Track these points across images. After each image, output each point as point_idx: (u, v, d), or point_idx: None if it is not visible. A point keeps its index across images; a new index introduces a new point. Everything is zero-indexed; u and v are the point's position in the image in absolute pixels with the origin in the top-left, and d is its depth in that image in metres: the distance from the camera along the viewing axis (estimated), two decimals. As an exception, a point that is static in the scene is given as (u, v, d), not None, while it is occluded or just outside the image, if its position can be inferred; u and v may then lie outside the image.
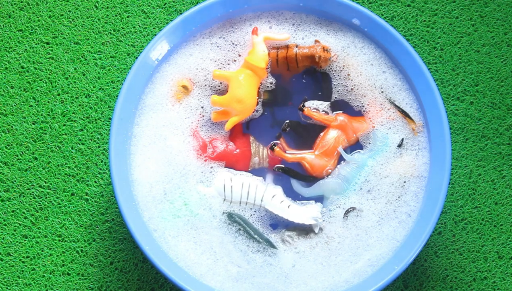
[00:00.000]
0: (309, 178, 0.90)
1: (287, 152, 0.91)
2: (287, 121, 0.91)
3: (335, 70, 0.91)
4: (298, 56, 0.90)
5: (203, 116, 0.91)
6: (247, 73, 0.89)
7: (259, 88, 0.91)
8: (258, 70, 0.89)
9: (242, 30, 0.92)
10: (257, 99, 0.90)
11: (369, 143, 0.90)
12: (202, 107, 0.91)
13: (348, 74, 0.91)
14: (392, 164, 0.89)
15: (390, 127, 0.90)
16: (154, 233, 0.88)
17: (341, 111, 0.91)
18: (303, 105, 0.90)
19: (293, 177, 0.90)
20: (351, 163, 0.90)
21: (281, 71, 0.92)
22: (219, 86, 0.91)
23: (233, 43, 0.92)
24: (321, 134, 0.91)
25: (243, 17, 0.92)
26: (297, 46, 0.90)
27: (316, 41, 0.91)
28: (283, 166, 0.91)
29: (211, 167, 0.90)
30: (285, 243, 0.88)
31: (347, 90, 0.91)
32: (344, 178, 0.89)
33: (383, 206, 0.89)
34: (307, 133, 0.91)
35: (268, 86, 0.91)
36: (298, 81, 0.92)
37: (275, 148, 0.90)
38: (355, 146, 0.91)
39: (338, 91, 0.91)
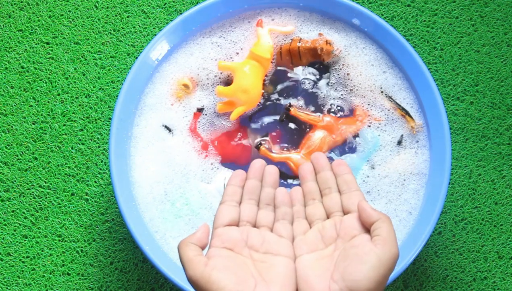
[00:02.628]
0: (294, 178, 0.90)
1: (273, 151, 0.90)
2: (286, 107, 0.91)
3: (335, 69, 0.91)
4: (301, 49, 0.90)
5: (206, 114, 0.91)
6: (253, 64, 0.89)
7: (264, 80, 0.91)
8: (264, 61, 0.89)
9: (242, 28, 0.92)
10: (262, 91, 0.91)
11: (359, 143, 0.90)
12: (202, 106, 0.91)
13: (348, 74, 0.91)
14: (390, 162, 0.89)
15: (385, 125, 0.90)
16: (156, 235, 0.88)
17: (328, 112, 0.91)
18: (290, 105, 0.90)
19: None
20: None
21: (285, 65, 0.92)
22: (219, 84, 0.91)
23: (233, 42, 0.92)
24: (309, 132, 0.91)
25: (241, 16, 0.92)
26: (300, 39, 0.91)
27: (320, 34, 0.91)
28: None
29: (211, 163, 0.90)
30: None
31: (347, 90, 0.91)
32: None
33: (384, 205, 0.89)
34: (302, 127, 0.91)
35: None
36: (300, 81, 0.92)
37: (261, 147, 0.90)
38: (350, 149, 0.91)
39: (340, 95, 0.91)
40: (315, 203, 0.72)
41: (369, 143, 0.90)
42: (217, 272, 0.65)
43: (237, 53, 0.91)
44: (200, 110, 0.90)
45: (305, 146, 0.90)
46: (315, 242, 0.70)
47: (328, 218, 0.72)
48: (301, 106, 0.91)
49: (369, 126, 0.90)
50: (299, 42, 0.90)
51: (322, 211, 0.72)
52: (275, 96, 0.91)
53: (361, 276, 0.64)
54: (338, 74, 0.91)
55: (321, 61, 0.91)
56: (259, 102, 0.91)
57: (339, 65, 0.91)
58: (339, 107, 0.91)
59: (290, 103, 0.91)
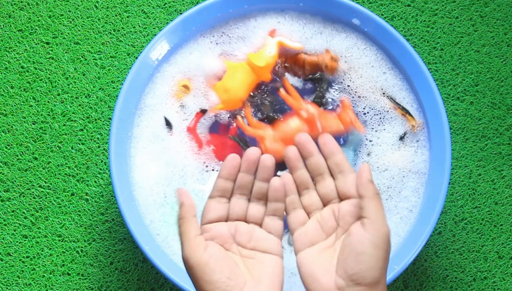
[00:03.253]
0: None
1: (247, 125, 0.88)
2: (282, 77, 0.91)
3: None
4: (306, 62, 0.90)
5: (204, 118, 0.91)
6: (245, 68, 0.89)
7: (255, 87, 0.91)
8: (256, 68, 0.89)
9: (243, 29, 0.92)
10: (248, 96, 0.90)
11: (346, 135, 0.90)
12: (200, 107, 0.91)
13: (349, 75, 0.91)
14: (390, 156, 0.89)
15: (387, 122, 0.90)
16: (157, 237, 0.88)
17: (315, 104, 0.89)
18: (280, 81, 0.89)
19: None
20: None
21: (288, 71, 0.92)
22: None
23: (234, 43, 0.92)
24: (288, 117, 0.89)
25: (242, 16, 0.92)
26: (305, 53, 0.91)
27: (327, 51, 0.90)
28: (239, 137, 0.89)
29: (205, 163, 0.90)
30: (291, 245, 0.88)
31: (347, 91, 0.91)
32: None
33: (384, 201, 0.89)
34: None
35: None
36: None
37: (238, 116, 0.88)
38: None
39: (340, 96, 0.91)
40: (310, 192, 0.71)
41: (355, 135, 0.90)
42: (214, 261, 0.65)
43: (244, 54, 0.91)
44: (203, 111, 0.90)
45: (280, 128, 0.88)
46: (316, 233, 0.69)
47: (324, 205, 0.70)
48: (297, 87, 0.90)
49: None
50: (305, 54, 0.90)
51: (318, 200, 0.70)
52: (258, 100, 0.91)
53: (363, 268, 0.63)
54: (338, 76, 0.91)
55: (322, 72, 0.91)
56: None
57: (339, 62, 0.91)
58: (331, 100, 0.91)
59: (285, 75, 0.90)
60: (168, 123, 0.90)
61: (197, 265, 0.65)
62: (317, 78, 0.90)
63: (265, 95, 0.90)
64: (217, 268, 0.65)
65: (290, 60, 0.91)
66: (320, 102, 0.90)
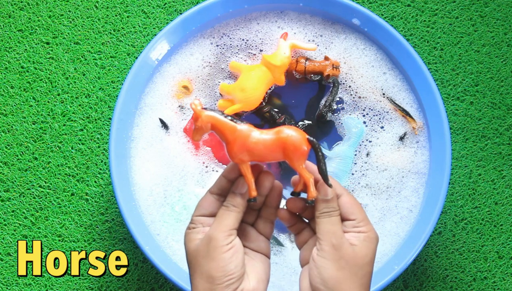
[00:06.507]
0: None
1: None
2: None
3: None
4: (307, 71, 0.90)
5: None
6: (261, 69, 0.89)
7: (270, 88, 0.91)
8: (272, 67, 0.89)
9: (244, 29, 0.92)
10: (264, 96, 0.90)
11: (344, 134, 0.90)
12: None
13: (350, 75, 0.91)
14: (389, 156, 0.89)
15: (387, 122, 0.90)
16: (157, 237, 0.88)
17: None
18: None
19: None
20: (334, 159, 0.89)
21: (289, 78, 0.92)
22: (217, 84, 0.91)
23: (234, 43, 0.92)
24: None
25: (242, 16, 0.92)
26: (307, 59, 0.91)
27: (326, 57, 0.90)
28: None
29: (206, 166, 0.90)
30: (293, 243, 0.88)
31: (347, 92, 0.91)
32: (333, 174, 0.89)
33: (384, 201, 0.89)
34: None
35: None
36: (301, 98, 0.92)
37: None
38: (334, 138, 0.91)
39: (341, 96, 0.91)
40: None
41: (353, 133, 0.90)
42: (233, 251, 0.66)
43: (249, 55, 0.91)
44: None
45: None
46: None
47: None
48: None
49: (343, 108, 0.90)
50: (307, 61, 0.90)
51: None
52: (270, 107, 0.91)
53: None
54: (339, 77, 0.91)
55: (324, 79, 0.91)
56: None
57: (340, 67, 0.91)
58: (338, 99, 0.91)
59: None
60: (164, 125, 0.90)
61: (220, 247, 0.66)
62: (329, 83, 0.91)
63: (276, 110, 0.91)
64: (233, 259, 0.66)
65: (291, 67, 0.91)
66: (328, 109, 0.90)
